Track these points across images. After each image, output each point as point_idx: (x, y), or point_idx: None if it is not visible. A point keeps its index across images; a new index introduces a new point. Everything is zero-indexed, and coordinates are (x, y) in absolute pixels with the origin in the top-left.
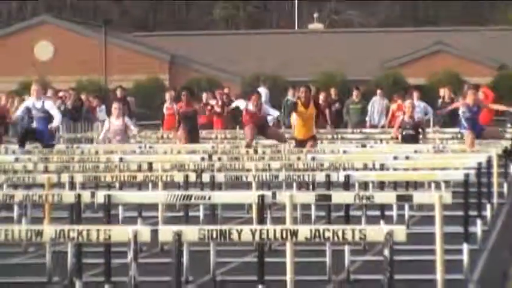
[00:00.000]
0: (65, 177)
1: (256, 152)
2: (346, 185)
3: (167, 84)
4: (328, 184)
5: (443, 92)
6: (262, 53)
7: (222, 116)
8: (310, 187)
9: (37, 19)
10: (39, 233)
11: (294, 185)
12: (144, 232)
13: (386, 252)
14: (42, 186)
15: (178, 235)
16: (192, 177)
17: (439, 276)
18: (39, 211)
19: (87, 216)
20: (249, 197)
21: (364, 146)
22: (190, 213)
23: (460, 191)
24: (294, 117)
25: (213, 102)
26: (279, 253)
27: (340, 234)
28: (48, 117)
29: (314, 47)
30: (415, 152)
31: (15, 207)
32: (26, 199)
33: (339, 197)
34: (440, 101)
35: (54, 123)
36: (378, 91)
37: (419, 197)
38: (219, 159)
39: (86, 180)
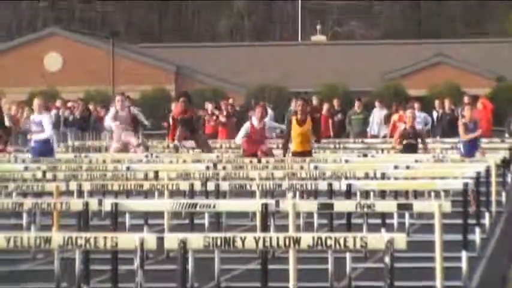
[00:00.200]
0: (73, 186)
1: (260, 161)
2: (348, 193)
3: (173, 95)
4: (330, 193)
5: (446, 103)
6: (266, 64)
7: (227, 126)
8: (313, 196)
9: (46, 31)
10: (48, 240)
11: (297, 193)
12: (150, 239)
13: (387, 259)
14: (50, 194)
15: (184, 242)
16: (198, 185)
17: (438, 283)
18: (47, 219)
19: (95, 224)
20: (253, 205)
21: (365, 155)
22: (196, 221)
23: (459, 199)
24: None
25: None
26: (282, 260)
27: (342, 241)
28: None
29: (317, 59)
30: (416, 161)
31: (25, 215)
32: (35, 207)
33: (341, 205)
34: (440, 111)
35: (41, 134)
36: (376, 102)
37: (419, 205)
38: (224, 168)
39: (94, 188)
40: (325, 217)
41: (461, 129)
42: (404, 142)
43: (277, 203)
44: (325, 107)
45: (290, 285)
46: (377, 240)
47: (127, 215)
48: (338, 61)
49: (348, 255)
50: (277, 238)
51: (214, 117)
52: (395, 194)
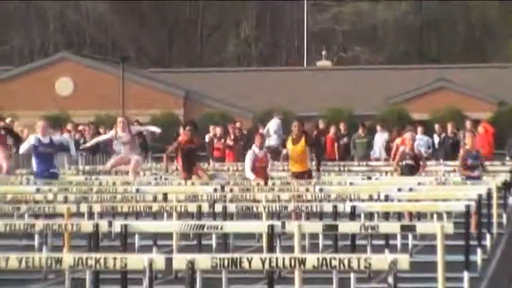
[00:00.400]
0: (83, 208)
1: (266, 184)
2: (353, 215)
3: (182, 119)
4: (335, 214)
5: (448, 127)
6: (272, 89)
7: (234, 149)
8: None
9: (57, 56)
10: (59, 261)
11: (303, 215)
12: (159, 260)
13: (390, 280)
14: (61, 216)
15: (192, 263)
16: (205, 207)
17: None
18: (59, 240)
19: (105, 245)
20: (260, 226)
21: (369, 178)
22: (203, 242)
23: (461, 221)
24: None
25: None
26: (288, 280)
27: (346, 262)
28: (55, 152)
29: (322, 83)
30: (418, 184)
31: (36, 236)
32: (46, 228)
33: (346, 226)
34: (443, 135)
35: (72, 151)
36: (378, 126)
37: (422, 227)
38: (231, 190)
39: (104, 210)
40: (330, 238)
41: (460, 158)
42: (403, 163)
43: (283, 225)
44: (332, 130)
45: None
46: (381, 261)
47: (136, 236)
48: (343, 86)
49: (352, 275)
50: (283, 259)
51: (222, 141)
52: (399, 216)
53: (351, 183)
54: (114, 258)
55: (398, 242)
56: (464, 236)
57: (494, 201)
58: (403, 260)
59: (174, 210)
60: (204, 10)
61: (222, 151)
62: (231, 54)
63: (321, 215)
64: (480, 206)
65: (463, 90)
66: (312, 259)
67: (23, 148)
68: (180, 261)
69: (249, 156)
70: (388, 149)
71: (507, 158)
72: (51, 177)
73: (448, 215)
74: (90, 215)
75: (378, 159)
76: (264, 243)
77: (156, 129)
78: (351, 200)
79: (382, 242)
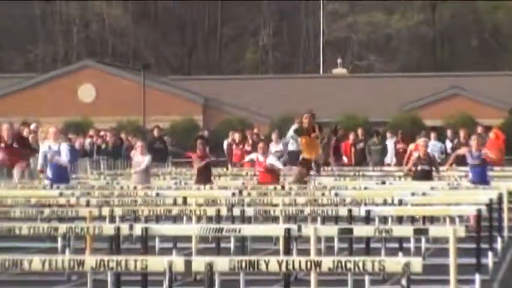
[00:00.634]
0: (105, 211)
1: (283, 188)
2: (367, 219)
3: (201, 125)
4: (350, 218)
5: (461, 134)
6: (289, 96)
7: None
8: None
9: (80, 63)
10: (81, 263)
11: (319, 219)
12: (179, 262)
13: (403, 282)
14: (84, 219)
15: (210, 265)
16: (224, 211)
17: None
18: (81, 242)
19: (126, 247)
20: (276, 230)
21: (383, 182)
22: (222, 245)
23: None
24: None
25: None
26: (304, 283)
27: (361, 265)
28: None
29: (338, 91)
30: (431, 188)
31: (59, 239)
32: (69, 231)
33: (360, 230)
34: (455, 141)
35: (59, 158)
36: (388, 133)
37: (434, 230)
38: (249, 194)
39: (125, 213)
40: (345, 241)
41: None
42: (419, 168)
43: (299, 228)
44: (352, 136)
45: None
46: (394, 263)
47: (156, 239)
48: (358, 93)
49: (366, 278)
50: (300, 261)
51: (241, 146)
52: (412, 220)
53: (366, 188)
54: (135, 261)
55: (411, 245)
56: (475, 239)
57: (505, 206)
58: (416, 263)
59: (193, 213)
60: (223, 20)
61: (241, 156)
62: (249, 62)
63: (336, 219)
64: (491, 210)
65: (475, 97)
66: (327, 262)
67: (40, 164)
68: (199, 263)
69: (251, 156)
70: (396, 153)
71: None
72: (61, 182)
73: (460, 219)
74: (112, 219)
75: (388, 165)
76: (281, 246)
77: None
78: (365, 204)
79: (395, 245)
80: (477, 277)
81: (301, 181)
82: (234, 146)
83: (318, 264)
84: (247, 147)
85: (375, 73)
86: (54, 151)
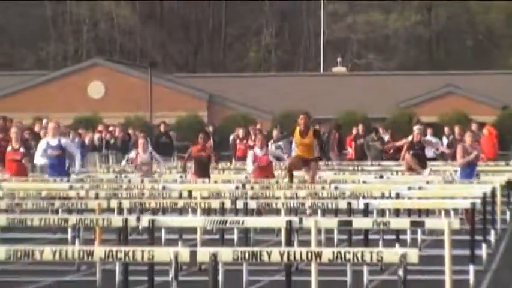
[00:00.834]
0: (113, 203)
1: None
2: (366, 211)
3: (205, 121)
4: (349, 211)
5: (456, 130)
6: (290, 93)
7: None
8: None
9: (90, 62)
10: (91, 253)
11: (319, 211)
12: (184, 253)
13: (400, 272)
14: (93, 211)
15: (215, 256)
16: (228, 204)
17: None
18: (90, 233)
19: (133, 239)
20: (278, 222)
21: (381, 177)
22: (226, 236)
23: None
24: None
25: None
26: (305, 273)
27: (359, 256)
28: (63, 154)
29: (337, 88)
30: (427, 182)
31: (69, 230)
32: (78, 223)
33: (359, 222)
34: (451, 137)
35: (76, 167)
36: (380, 128)
37: (430, 223)
38: (252, 188)
39: (133, 206)
40: (345, 233)
41: (459, 151)
42: (411, 152)
43: (300, 220)
44: (354, 131)
45: None
46: (391, 254)
47: (163, 231)
48: (357, 90)
49: (365, 268)
50: (300, 252)
51: (244, 141)
52: (409, 212)
53: (364, 182)
54: (142, 251)
55: (408, 236)
56: (470, 232)
57: (499, 199)
58: (413, 254)
59: (198, 206)
60: (227, 20)
61: (244, 151)
62: (252, 60)
63: (336, 212)
64: (485, 203)
65: (469, 95)
66: (327, 253)
67: (37, 159)
68: (203, 254)
69: (250, 157)
70: (385, 151)
71: None
72: (60, 174)
73: (455, 212)
74: (120, 211)
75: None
76: (283, 238)
77: (162, 166)
78: (364, 198)
79: (393, 237)
80: (471, 268)
81: (293, 166)
82: (237, 141)
83: (318, 255)
84: (250, 142)
85: (373, 71)
86: (53, 146)
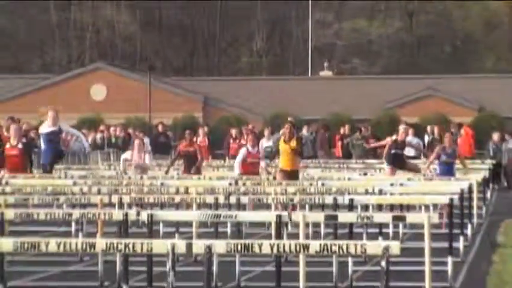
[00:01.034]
0: (114, 199)
1: (275, 178)
2: (350, 206)
3: (201, 121)
4: (335, 206)
5: (435, 130)
6: (280, 95)
7: None
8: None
9: (93, 65)
10: (93, 245)
11: (307, 206)
12: (181, 245)
13: (383, 263)
14: (95, 205)
15: (209, 248)
16: (221, 199)
17: (427, 284)
18: (93, 227)
19: (133, 232)
20: (269, 216)
21: (365, 174)
22: (220, 230)
23: (442, 213)
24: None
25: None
26: (294, 264)
27: (344, 248)
28: (59, 139)
29: (324, 91)
30: (408, 179)
31: (73, 223)
32: (82, 216)
33: (344, 217)
34: (431, 137)
35: (85, 145)
36: (362, 128)
37: (411, 217)
38: (244, 184)
39: (132, 201)
40: (331, 227)
41: (437, 149)
42: (392, 151)
43: (289, 215)
44: (341, 131)
45: (300, 285)
46: (375, 247)
47: (161, 224)
48: (343, 93)
49: (349, 259)
50: (289, 245)
51: (237, 141)
52: (391, 207)
53: (349, 179)
54: (141, 243)
55: (390, 230)
56: (448, 225)
57: (475, 195)
58: (395, 246)
59: (194, 201)
60: (221, 27)
61: (237, 150)
62: (245, 64)
63: (322, 207)
64: (462, 199)
65: (448, 97)
66: (314, 245)
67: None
68: (199, 246)
69: (241, 153)
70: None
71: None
72: (55, 154)
73: (434, 207)
74: (121, 205)
75: None
76: (273, 231)
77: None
78: (349, 194)
79: (376, 230)
80: (449, 259)
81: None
82: (231, 141)
83: (306, 247)
84: (243, 141)
85: (358, 75)
86: (55, 132)
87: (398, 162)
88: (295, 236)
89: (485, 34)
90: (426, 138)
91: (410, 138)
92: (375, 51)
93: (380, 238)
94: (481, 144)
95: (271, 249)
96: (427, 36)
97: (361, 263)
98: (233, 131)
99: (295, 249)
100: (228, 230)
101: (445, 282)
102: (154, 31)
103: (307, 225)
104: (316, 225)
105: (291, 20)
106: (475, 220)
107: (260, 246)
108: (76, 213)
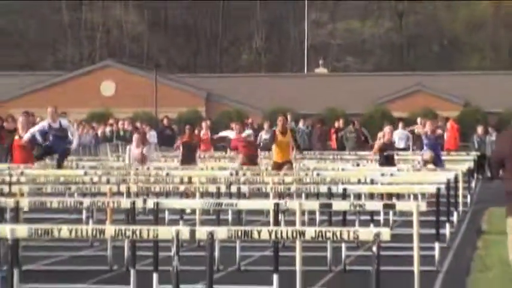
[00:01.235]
0: (123, 188)
1: (273, 168)
2: (344, 195)
3: (204, 116)
4: (330, 195)
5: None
6: (278, 91)
7: None
8: (315, 197)
9: (102, 63)
10: (102, 232)
11: (303, 195)
12: (185, 231)
13: (374, 248)
14: (105, 194)
15: (212, 234)
16: (223, 188)
17: (415, 267)
18: (102, 214)
19: (140, 219)
20: (267, 204)
21: (358, 165)
22: (221, 217)
23: (433, 200)
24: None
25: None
26: (290, 249)
27: (338, 234)
28: (65, 136)
29: (320, 87)
30: (398, 170)
31: (84, 211)
32: (92, 205)
33: (338, 205)
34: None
35: (74, 143)
36: (355, 121)
37: (401, 205)
38: (244, 174)
39: (140, 190)
40: (325, 214)
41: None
42: (385, 154)
43: (286, 203)
44: (336, 125)
45: (297, 269)
46: (366, 233)
47: (166, 212)
48: (337, 89)
49: (343, 245)
50: (287, 231)
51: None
52: (382, 196)
53: (343, 169)
54: (148, 230)
55: (381, 217)
56: (435, 213)
57: (461, 185)
58: (385, 233)
59: (197, 190)
60: (223, 27)
61: (237, 142)
62: (245, 62)
63: (317, 195)
64: (449, 188)
65: (436, 93)
66: (310, 231)
67: (28, 135)
68: (202, 232)
69: (230, 131)
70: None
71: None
72: (62, 152)
73: (422, 196)
74: (128, 194)
75: None
76: (271, 218)
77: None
78: (342, 183)
79: (368, 218)
80: (436, 245)
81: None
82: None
83: (302, 234)
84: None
85: (351, 72)
86: (56, 128)
87: (390, 162)
88: (292, 223)
89: (471, 34)
90: (416, 131)
91: (400, 131)
92: (367, 50)
93: (371, 225)
94: (466, 137)
95: (270, 235)
96: (416, 36)
97: (354, 248)
98: (234, 125)
99: (292, 236)
100: (229, 217)
101: (432, 266)
102: (160, 31)
103: (303, 213)
104: (312, 212)
105: (288, 20)
106: (460, 208)
107: (259, 232)
108: (87, 201)
